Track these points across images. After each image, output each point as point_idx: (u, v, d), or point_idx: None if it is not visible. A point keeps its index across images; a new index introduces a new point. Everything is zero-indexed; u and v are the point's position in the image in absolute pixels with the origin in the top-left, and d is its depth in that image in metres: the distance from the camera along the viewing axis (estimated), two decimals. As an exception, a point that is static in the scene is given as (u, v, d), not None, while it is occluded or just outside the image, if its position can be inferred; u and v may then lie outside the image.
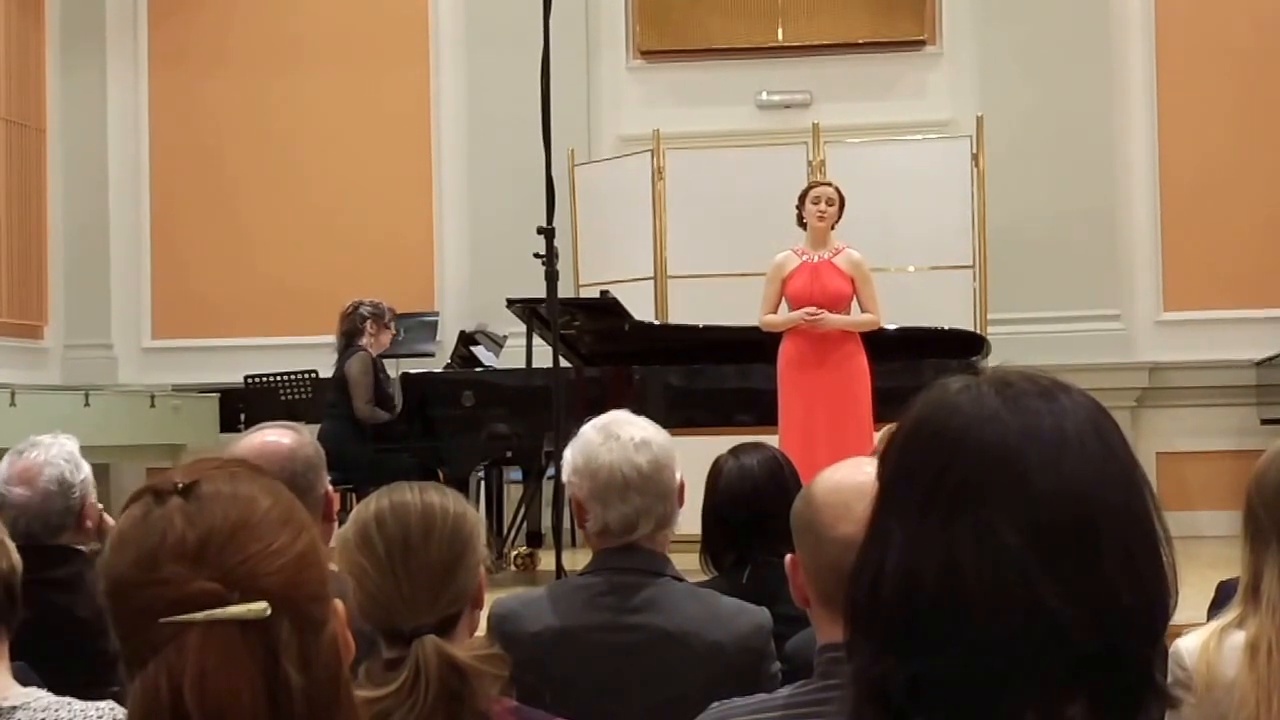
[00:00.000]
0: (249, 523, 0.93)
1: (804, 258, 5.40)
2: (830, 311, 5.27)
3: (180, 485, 0.94)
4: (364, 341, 6.22)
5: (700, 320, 6.36)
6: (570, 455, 2.10)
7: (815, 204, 5.39)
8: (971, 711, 0.82)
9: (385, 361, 6.88)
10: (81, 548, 2.50)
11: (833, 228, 5.43)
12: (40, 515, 2.49)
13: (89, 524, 2.55)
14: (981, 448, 0.85)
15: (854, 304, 5.39)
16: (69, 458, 2.54)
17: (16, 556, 1.81)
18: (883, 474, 0.91)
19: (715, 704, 1.54)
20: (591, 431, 2.10)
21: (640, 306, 6.68)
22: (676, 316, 7.01)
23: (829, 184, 5.55)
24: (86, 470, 2.57)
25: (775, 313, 5.40)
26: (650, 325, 6.52)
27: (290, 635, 0.91)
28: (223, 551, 0.91)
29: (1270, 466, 1.79)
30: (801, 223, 5.47)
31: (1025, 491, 0.83)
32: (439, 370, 6.74)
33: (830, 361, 5.27)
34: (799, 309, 5.29)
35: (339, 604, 0.98)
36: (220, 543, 0.91)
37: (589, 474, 2.06)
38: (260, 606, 0.89)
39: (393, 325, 6.37)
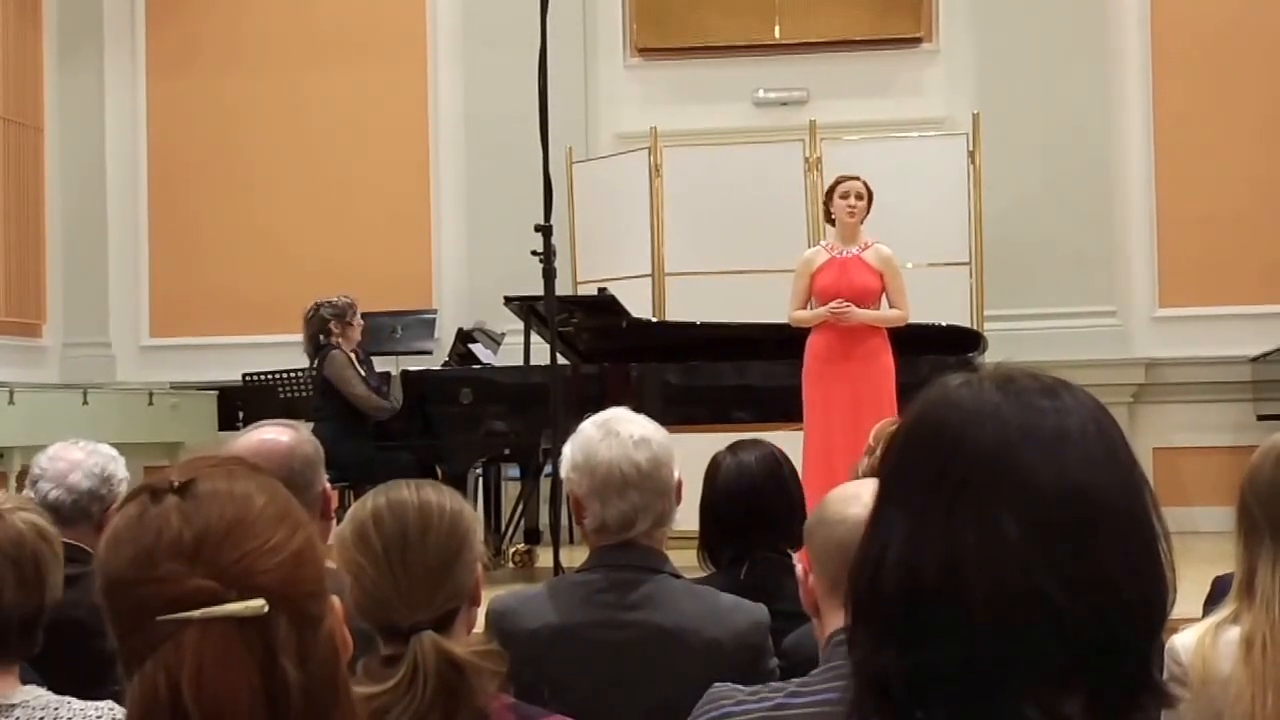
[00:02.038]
0: (245, 520, 0.93)
1: (833, 253, 5.35)
2: (858, 307, 5.23)
3: (176, 483, 0.94)
4: (332, 342, 6.17)
5: (697, 317, 6.36)
6: (569, 452, 2.11)
7: (844, 199, 5.34)
8: (971, 704, 0.83)
9: (384, 359, 6.88)
10: (90, 550, 2.51)
11: (861, 222, 5.37)
12: (73, 492, 2.53)
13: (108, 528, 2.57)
14: (982, 442, 0.85)
15: (883, 300, 5.34)
16: (116, 458, 2.65)
17: (57, 592, 1.80)
18: (884, 468, 0.92)
19: (717, 685, 1.55)
20: (591, 428, 2.10)
21: (638, 304, 6.68)
22: (674, 314, 7.01)
23: (857, 178, 5.44)
24: (126, 479, 2.64)
25: (805, 308, 5.34)
26: (647, 322, 6.52)
27: (288, 632, 0.91)
28: (219, 549, 0.91)
29: (1264, 463, 1.80)
30: (830, 218, 5.43)
31: (1026, 485, 0.84)
32: (437, 368, 6.74)
33: (856, 355, 5.21)
34: (826, 304, 5.26)
35: (336, 601, 0.98)
36: (217, 541, 0.91)
37: (588, 470, 2.06)
38: (258, 604, 0.89)
39: (356, 320, 6.28)
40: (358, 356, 6.31)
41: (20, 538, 1.76)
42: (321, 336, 6.15)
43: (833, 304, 5.20)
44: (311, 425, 6.01)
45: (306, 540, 0.96)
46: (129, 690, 0.90)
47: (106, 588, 0.93)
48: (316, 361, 6.19)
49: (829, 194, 5.44)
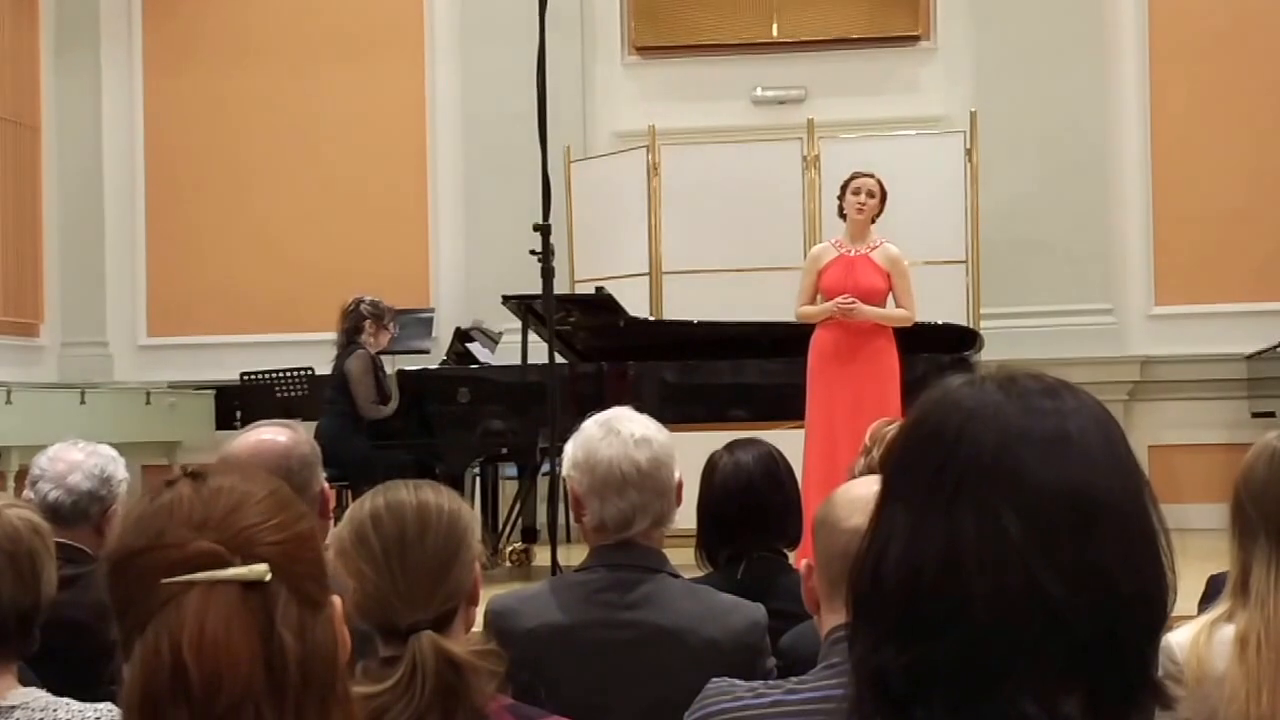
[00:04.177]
0: (252, 498, 0.97)
1: (841, 250, 5.32)
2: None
3: (190, 471, 0.99)
4: (363, 339, 6.22)
5: (695, 316, 6.36)
6: (570, 449, 2.11)
7: (855, 195, 5.30)
8: (970, 700, 0.83)
9: (381, 358, 6.88)
10: (89, 551, 2.51)
11: (873, 220, 5.34)
12: (72, 493, 2.53)
13: (107, 530, 2.58)
14: (982, 441, 0.86)
15: (889, 300, 5.31)
16: (116, 459, 2.64)
17: (51, 589, 1.81)
18: (886, 467, 0.92)
19: (714, 680, 1.55)
20: (592, 426, 2.11)
21: (635, 302, 6.68)
22: (671, 312, 7.02)
23: (870, 175, 5.39)
24: (125, 479, 2.65)
25: (812, 304, 5.31)
26: (645, 321, 6.52)
27: (288, 605, 0.93)
28: (225, 519, 0.94)
29: (1257, 462, 1.81)
30: (842, 214, 5.39)
31: (1026, 484, 0.84)
32: (435, 367, 6.74)
33: (862, 355, 5.18)
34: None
35: (337, 600, 1.00)
36: (223, 513, 0.95)
37: (588, 468, 2.07)
38: (261, 569, 0.92)
39: (392, 326, 6.36)
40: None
41: (16, 534, 1.76)
42: (356, 333, 6.19)
43: (839, 299, 5.18)
44: (316, 422, 6.05)
45: (310, 530, 0.99)
46: (132, 657, 0.92)
47: (116, 560, 0.95)
48: (340, 355, 6.21)
49: (842, 189, 5.40)
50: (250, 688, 0.90)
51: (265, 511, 0.96)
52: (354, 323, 6.22)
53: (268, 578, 0.92)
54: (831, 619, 1.58)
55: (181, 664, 0.89)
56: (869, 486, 1.63)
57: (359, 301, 6.28)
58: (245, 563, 0.92)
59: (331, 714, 0.95)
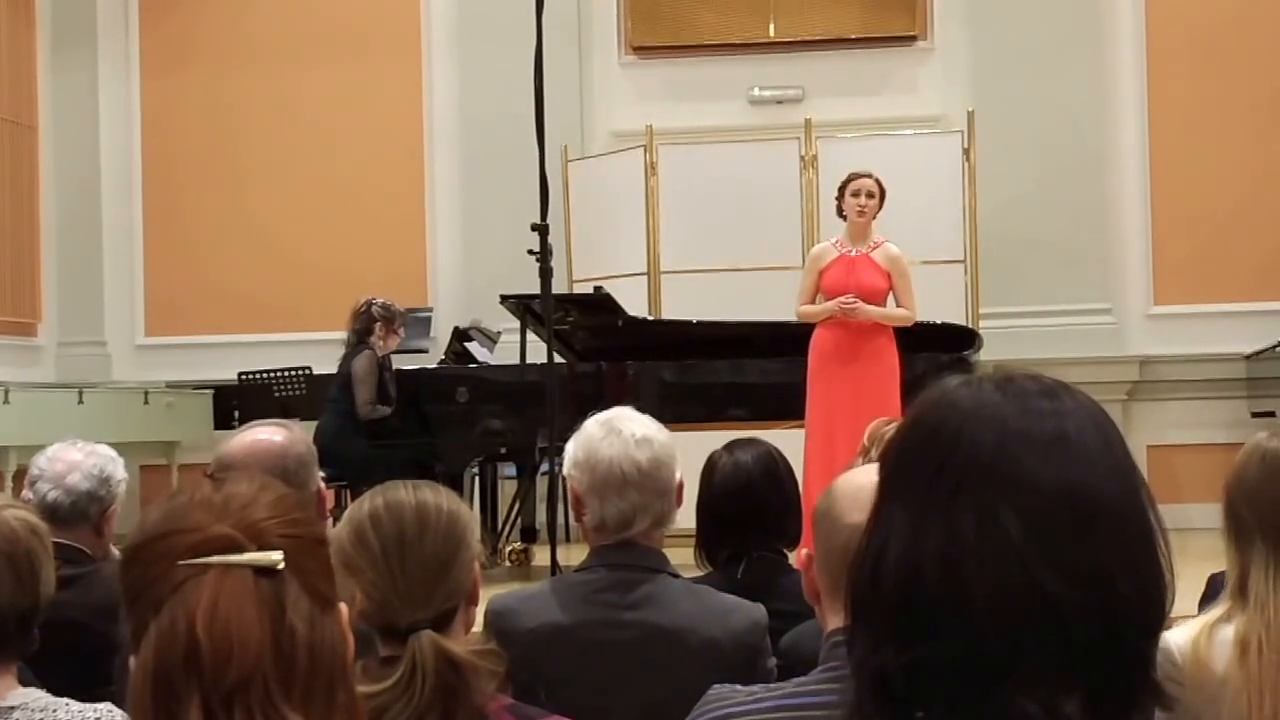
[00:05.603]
0: (267, 498, 1.01)
1: (842, 250, 5.33)
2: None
3: (211, 474, 1.03)
4: (372, 341, 6.21)
5: (693, 315, 6.36)
6: (571, 449, 2.12)
7: (855, 196, 5.30)
8: (971, 700, 0.83)
9: (391, 358, 6.87)
10: (88, 551, 2.51)
11: (873, 219, 5.34)
12: (71, 493, 2.52)
13: (106, 530, 2.58)
14: (980, 442, 0.86)
15: (890, 300, 5.32)
16: (115, 460, 2.65)
17: (50, 589, 1.81)
18: (884, 467, 0.92)
19: (715, 686, 1.55)
20: (594, 426, 2.11)
21: (634, 302, 6.68)
22: (669, 312, 7.01)
23: (869, 175, 5.39)
24: (124, 480, 2.65)
25: (812, 304, 5.32)
26: (643, 320, 6.52)
27: (299, 596, 0.97)
28: (243, 510, 0.99)
29: (1249, 463, 1.80)
30: (841, 214, 5.40)
31: (1024, 484, 0.84)
32: (433, 366, 6.74)
33: (862, 354, 5.20)
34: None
35: (344, 607, 1.02)
36: (242, 503, 0.99)
37: (588, 468, 2.07)
38: (275, 556, 0.96)
39: (401, 330, 6.34)
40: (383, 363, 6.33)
41: (14, 534, 1.76)
42: (365, 334, 6.18)
43: (841, 299, 5.18)
44: (313, 421, 6.04)
45: (322, 536, 1.05)
46: (145, 636, 0.95)
47: (134, 547, 0.99)
48: (348, 354, 6.20)
49: (841, 190, 5.40)
50: (259, 666, 0.93)
51: (281, 509, 1.00)
52: (364, 324, 6.20)
53: (281, 565, 0.96)
54: (834, 617, 1.57)
55: (194, 640, 0.92)
56: (870, 475, 1.62)
57: (370, 303, 6.26)
58: (260, 550, 0.96)
59: (338, 707, 0.97)
